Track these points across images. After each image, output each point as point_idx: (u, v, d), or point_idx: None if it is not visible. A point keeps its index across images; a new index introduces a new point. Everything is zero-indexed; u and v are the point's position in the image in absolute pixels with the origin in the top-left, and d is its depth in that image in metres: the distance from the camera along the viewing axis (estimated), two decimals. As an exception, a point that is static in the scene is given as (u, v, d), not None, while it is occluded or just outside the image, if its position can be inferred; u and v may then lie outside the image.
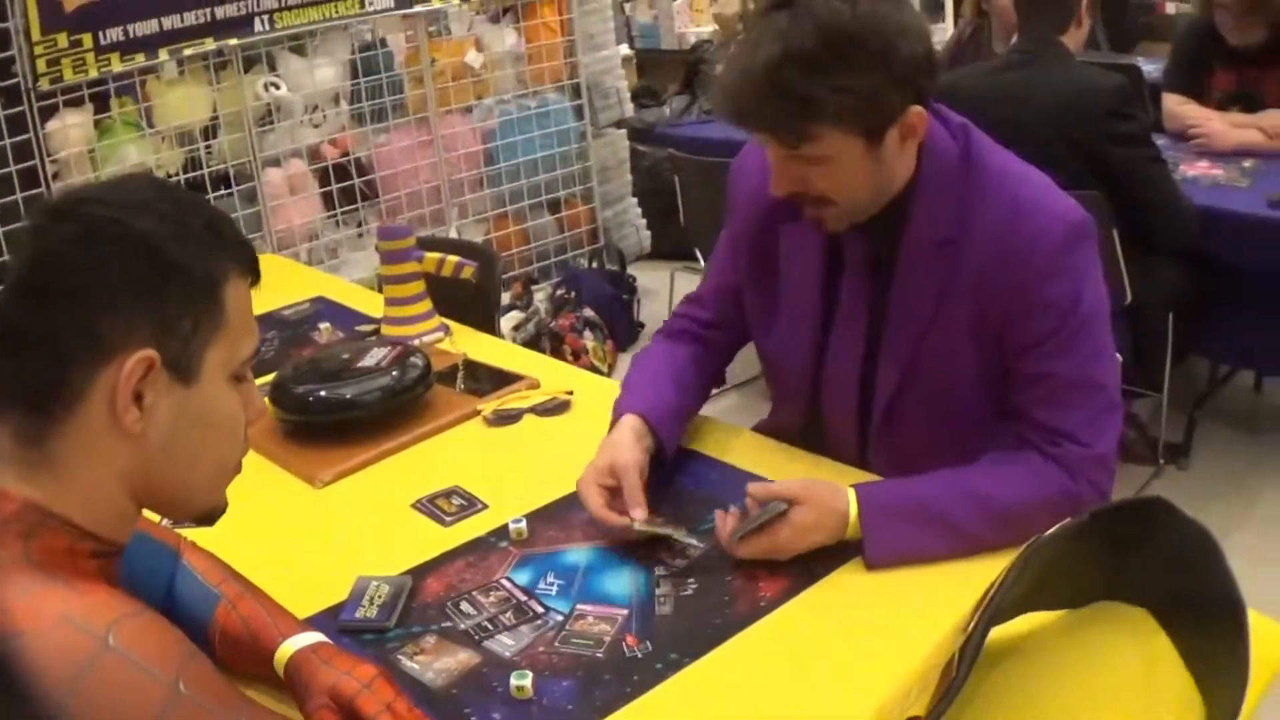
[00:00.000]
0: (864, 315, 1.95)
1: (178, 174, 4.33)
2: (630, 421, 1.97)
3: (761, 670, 1.56)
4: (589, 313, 5.19)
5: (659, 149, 6.15)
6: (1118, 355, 3.39)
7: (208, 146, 4.43)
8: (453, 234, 5.01)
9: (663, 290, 5.60)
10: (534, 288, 5.31)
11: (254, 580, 1.59)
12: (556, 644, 1.62)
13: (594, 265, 5.69)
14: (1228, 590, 1.32)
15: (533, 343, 4.82)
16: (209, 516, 1.34)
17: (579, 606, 1.70)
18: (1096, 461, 1.80)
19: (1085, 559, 1.43)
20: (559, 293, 5.27)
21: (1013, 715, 1.36)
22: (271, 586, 1.65)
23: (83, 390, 1.16)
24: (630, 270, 5.79)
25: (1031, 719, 1.35)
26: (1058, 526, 1.35)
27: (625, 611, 1.68)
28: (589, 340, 5.07)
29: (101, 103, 4.19)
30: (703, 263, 4.66)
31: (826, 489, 1.77)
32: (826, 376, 2.04)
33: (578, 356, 4.89)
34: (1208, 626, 1.34)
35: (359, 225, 4.89)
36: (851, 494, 1.77)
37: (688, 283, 4.94)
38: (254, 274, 1.30)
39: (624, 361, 5.18)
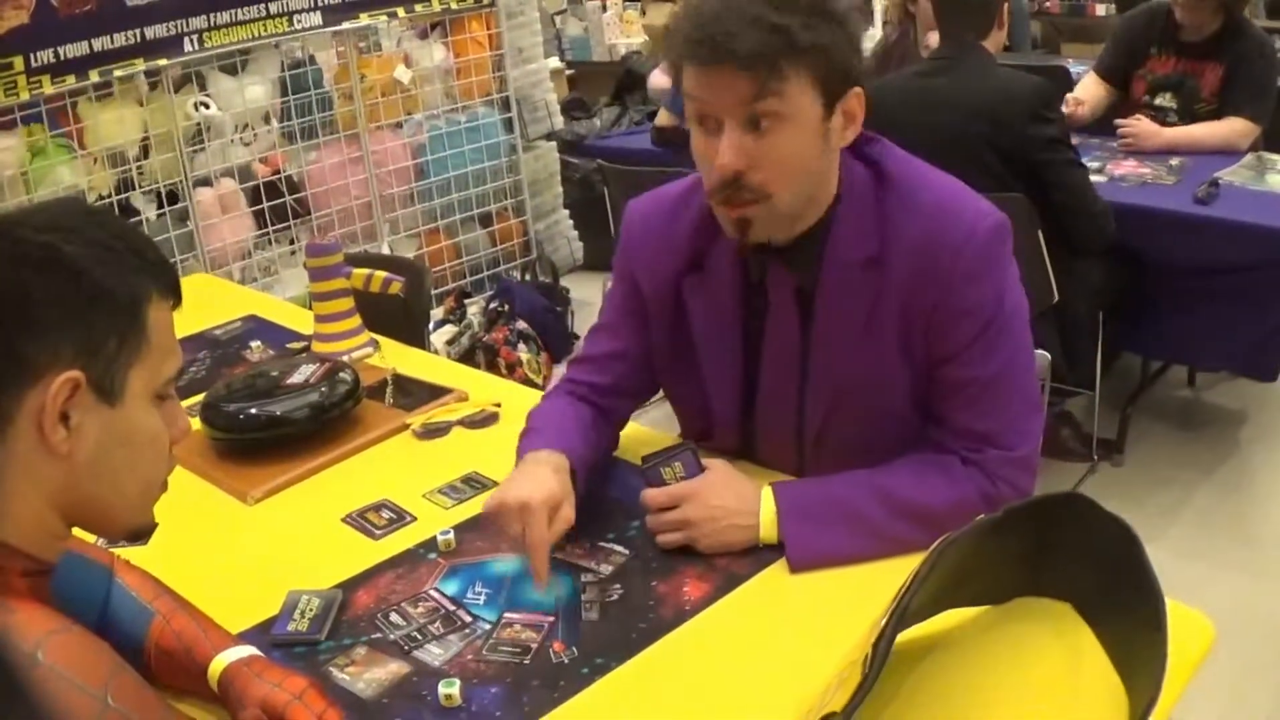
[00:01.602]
0: (794, 348, 1.94)
1: (109, 195, 4.32)
2: (552, 458, 1.88)
3: (687, 672, 1.59)
4: (522, 325, 5.20)
5: (590, 161, 6.17)
6: (1047, 354, 3.47)
7: (139, 167, 4.42)
8: (385, 249, 5.01)
9: (596, 301, 5.60)
10: (467, 301, 5.31)
11: (187, 596, 1.61)
12: (485, 652, 1.64)
13: (527, 278, 5.71)
14: (1147, 583, 1.35)
15: (467, 356, 4.83)
16: (139, 534, 1.36)
17: (506, 615, 1.72)
18: (1017, 463, 1.82)
19: (1006, 555, 1.46)
20: (492, 306, 5.26)
21: (937, 710, 1.39)
22: (205, 602, 1.66)
23: (9, 413, 1.18)
24: (563, 282, 5.81)
25: (956, 713, 1.38)
26: (970, 524, 1.38)
27: (551, 618, 1.70)
28: (523, 353, 5.07)
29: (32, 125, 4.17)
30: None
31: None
32: (760, 410, 2.03)
33: (512, 369, 4.90)
34: (1129, 619, 1.37)
35: (291, 243, 4.88)
36: (767, 491, 1.81)
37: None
38: (175, 296, 1.33)
39: (559, 372, 5.18)
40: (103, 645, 1.16)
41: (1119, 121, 4.33)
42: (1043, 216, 3.48)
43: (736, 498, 1.82)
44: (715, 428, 2.09)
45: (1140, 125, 4.26)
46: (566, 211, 6.03)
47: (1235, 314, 3.81)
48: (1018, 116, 3.42)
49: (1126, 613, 1.37)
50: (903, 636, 1.33)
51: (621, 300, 2.10)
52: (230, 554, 2.00)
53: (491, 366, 4.82)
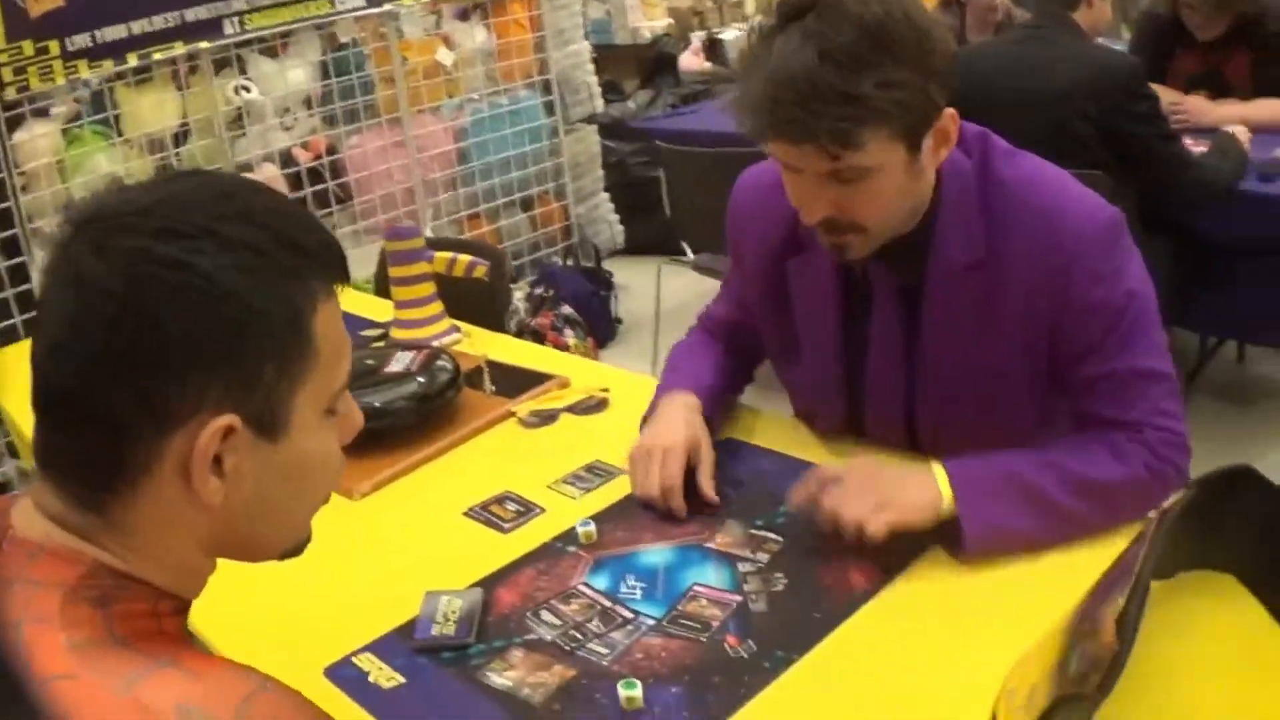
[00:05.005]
0: (900, 345, 1.90)
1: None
2: (686, 399, 1.99)
3: (872, 659, 1.51)
4: (568, 310, 5.14)
5: (625, 144, 6.11)
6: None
7: (178, 153, 4.34)
8: (428, 235, 4.95)
9: (638, 286, 5.58)
10: (511, 286, 5.24)
11: (309, 602, 1.50)
12: (665, 624, 1.59)
13: (569, 262, 5.64)
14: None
15: (513, 342, 4.78)
16: (294, 553, 1.17)
17: (695, 587, 1.66)
18: (1174, 443, 1.76)
19: (1173, 530, 1.41)
20: (537, 291, 5.21)
21: (1122, 687, 1.34)
22: (334, 608, 1.57)
23: (148, 464, 0.97)
24: (605, 265, 5.75)
25: (1133, 690, 1.33)
26: (1174, 498, 1.32)
27: (739, 598, 1.62)
28: (570, 338, 5.01)
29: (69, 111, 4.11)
30: (690, 254, 4.62)
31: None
32: (869, 409, 1.99)
33: (560, 354, 4.84)
34: None
35: (333, 229, 4.81)
36: (938, 468, 1.72)
37: (676, 276, 4.89)
38: (344, 278, 1.09)
39: (604, 357, 5.12)
40: (302, 697, 0.97)
41: (1170, 103, 4.27)
42: (1125, 191, 3.42)
43: (900, 468, 1.75)
44: (819, 412, 2.07)
45: (1192, 102, 4.22)
46: (607, 195, 5.97)
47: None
48: (1115, 91, 3.38)
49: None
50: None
51: (733, 274, 2.16)
52: (346, 555, 1.88)
53: (540, 352, 4.76)
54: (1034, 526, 1.69)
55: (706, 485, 1.87)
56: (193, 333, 0.95)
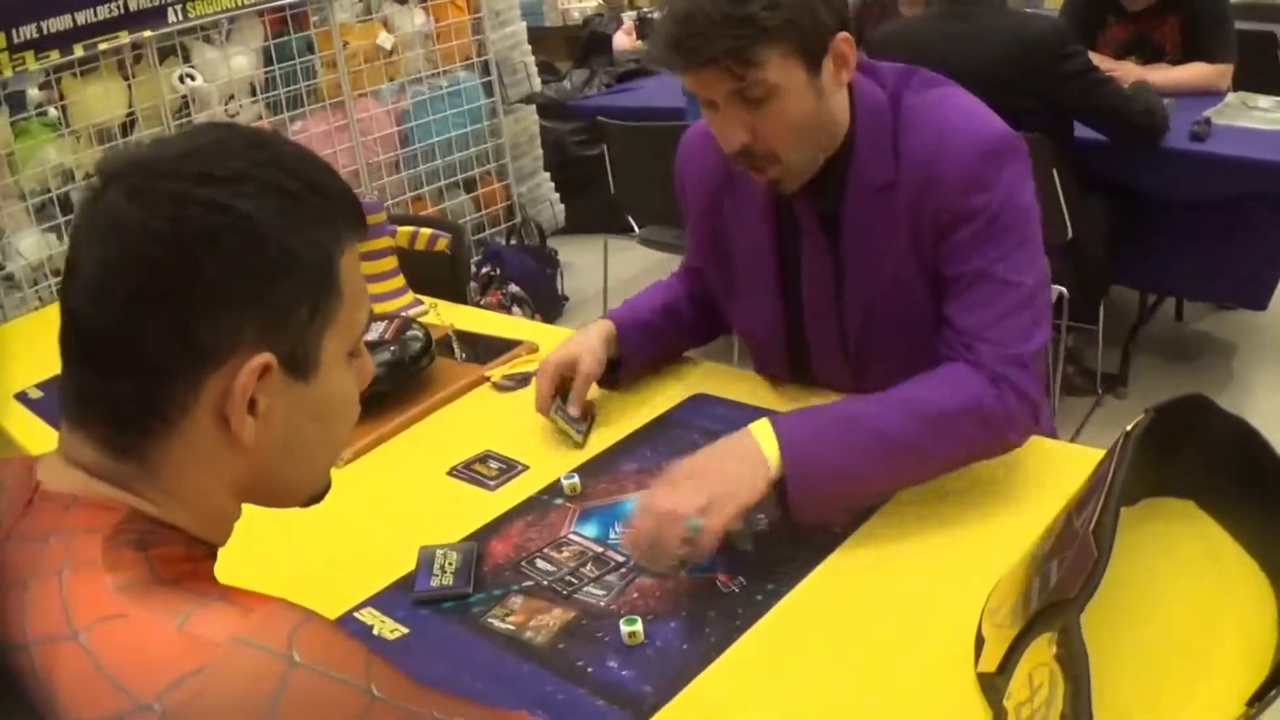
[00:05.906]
0: (829, 272, 1.96)
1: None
2: (599, 326, 2.16)
3: (859, 590, 1.58)
4: (515, 289, 5.18)
5: (563, 123, 6.15)
6: (1062, 289, 3.49)
7: (126, 143, 4.32)
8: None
9: (580, 264, 5.63)
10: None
11: (303, 566, 1.52)
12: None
13: (513, 242, 5.67)
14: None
15: (462, 321, 4.81)
16: (317, 499, 1.22)
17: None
18: (1012, 360, 1.75)
19: (1135, 458, 1.47)
20: (483, 270, 5.24)
21: (1098, 607, 1.41)
22: (330, 568, 1.60)
23: (185, 403, 1.01)
24: (549, 244, 5.79)
25: (1105, 613, 1.39)
26: (1135, 421, 1.39)
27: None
28: (518, 316, 5.05)
29: (16, 103, 4.08)
30: (636, 230, 4.68)
31: None
32: (810, 340, 2.05)
33: (508, 333, 4.88)
34: (1265, 509, 1.39)
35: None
36: (762, 421, 1.71)
37: (622, 250, 4.96)
38: (363, 227, 1.13)
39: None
40: (340, 629, 1.01)
41: (1103, 67, 4.37)
42: (1064, 152, 3.50)
43: (717, 448, 1.69)
44: (766, 347, 2.15)
45: (1124, 67, 4.31)
46: (547, 174, 6.01)
47: (1230, 245, 3.87)
48: (1044, 59, 3.47)
49: (1260, 504, 1.40)
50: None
51: (688, 223, 2.22)
52: (336, 518, 1.85)
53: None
54: (866, 461, 1.69)
55: (571, 401, 2.08)
56: (233, 272, 0.99)
